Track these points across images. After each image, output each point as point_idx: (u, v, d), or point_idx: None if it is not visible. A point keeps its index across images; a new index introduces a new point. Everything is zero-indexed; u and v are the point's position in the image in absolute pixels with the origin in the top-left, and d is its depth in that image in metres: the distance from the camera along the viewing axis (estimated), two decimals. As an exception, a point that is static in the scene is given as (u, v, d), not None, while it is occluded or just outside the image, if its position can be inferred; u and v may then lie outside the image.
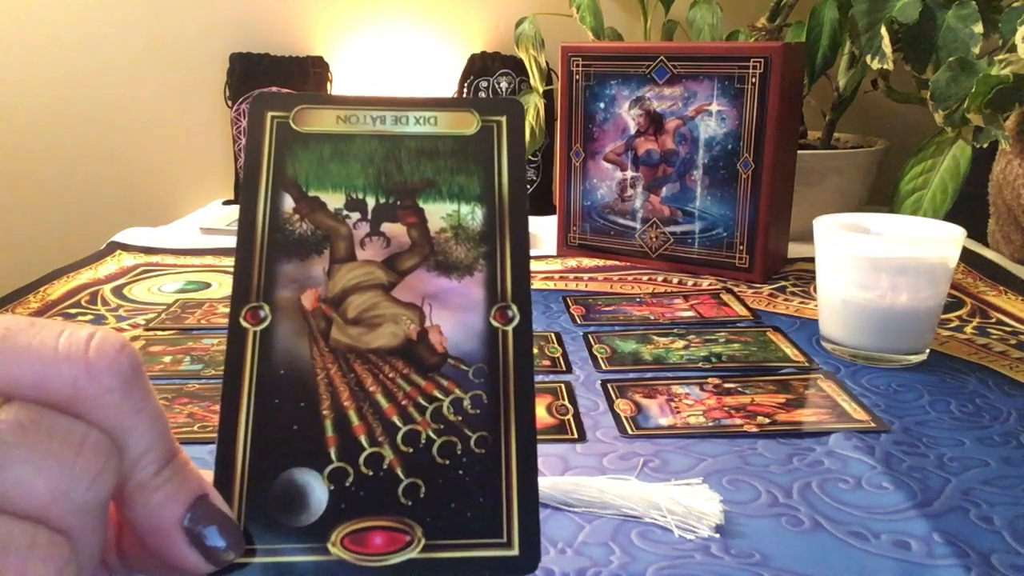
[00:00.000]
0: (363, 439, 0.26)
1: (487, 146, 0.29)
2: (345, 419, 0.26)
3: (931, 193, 0.84)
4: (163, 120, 1.31)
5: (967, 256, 0.83)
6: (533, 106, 1.06)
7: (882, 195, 0.98)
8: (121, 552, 0.24)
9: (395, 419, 0.26)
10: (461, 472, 0.26)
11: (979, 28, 0.77)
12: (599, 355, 0.59)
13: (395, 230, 0.28)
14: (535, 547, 0.25)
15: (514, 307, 0.27)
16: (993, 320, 0.67)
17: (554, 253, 0.88)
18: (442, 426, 0.26)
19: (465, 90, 1.19)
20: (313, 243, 0.28)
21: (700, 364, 0.58)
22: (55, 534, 0.20)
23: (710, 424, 0.48)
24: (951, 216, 0.81)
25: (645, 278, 0.80)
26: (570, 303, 0.71)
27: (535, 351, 0.60)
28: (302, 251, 0.27)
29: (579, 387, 0.54)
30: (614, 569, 0.35)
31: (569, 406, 0.51)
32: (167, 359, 0.59)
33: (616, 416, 0.49)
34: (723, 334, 0.63)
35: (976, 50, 0.77)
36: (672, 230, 0.81)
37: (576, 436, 0.47)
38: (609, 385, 0.54)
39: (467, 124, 0.29)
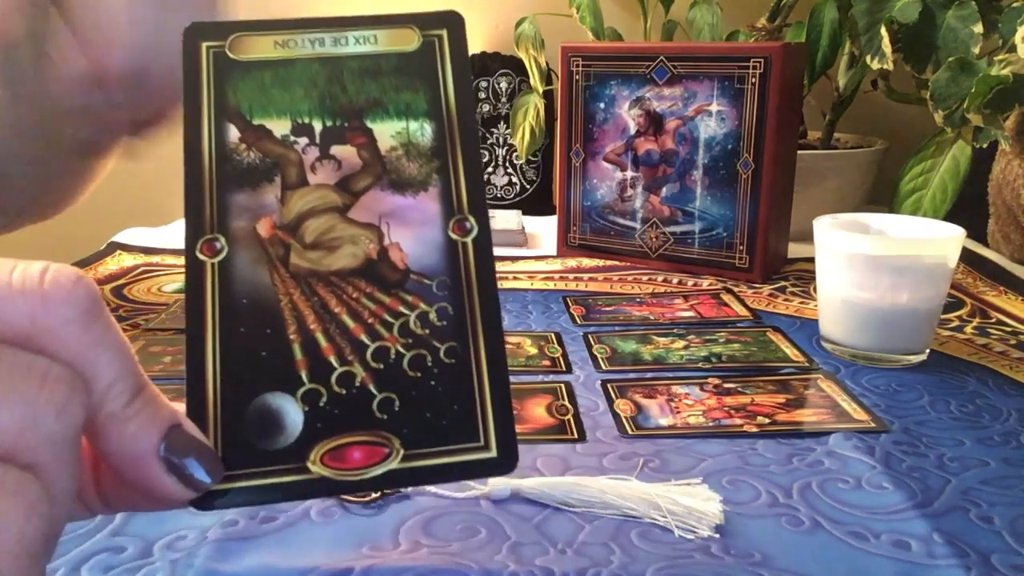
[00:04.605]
0: (333, 359, 0.26)
1: (430, 61, 0.29)
2: (313, 342, 0.26)
3: (931, 193, 0.84)
4: (163, 120, 1.31)
5: (967, 256, 0.83)
6: (533, 106, 1.06)
7: (882, 195, 0.98)
8: (100, 491, 0.24)
9: (363, 337, 0.26)
10: (433, 383, 0.26)
11: (979, 28, 0.77)
12: (599, 355, 0.59)
13: (345, 152, 0.28)
14: (512, 447, 0.26)
15: (471, 219, 0.27)
16: (993, 320, 0.67)
17: (554, 253, 0.88)
18: (410, 340, 0.26)
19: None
20: (263, 171, 0.27)
21: (700, 364, 0.58)
22: (24, 472, 0.19)
23: (710, 424, 0.48)
24: (951, 216, 0.81)
25: (645, 278, 0.80)
26: (570, 303, 0.71)
27: (535, 351, 0.60)
28: (253, 180, 0.27)
29: (579, 387, 0.54)
30: (614, 569, 0.35)
31: (569, 406, 0.51)
32: (167, 359, 0.59)
33: (616, 416, 0.49)
34: (723, 334, 0.63)
35: (976, 50, 0.77)
36: (672, 230, 0.81)
37: (576, 436, 0.47)
38: (609, 385, 0.54)
39: (408, 40, 0.29)
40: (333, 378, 0.26)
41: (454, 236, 0.27)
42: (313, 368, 0.25)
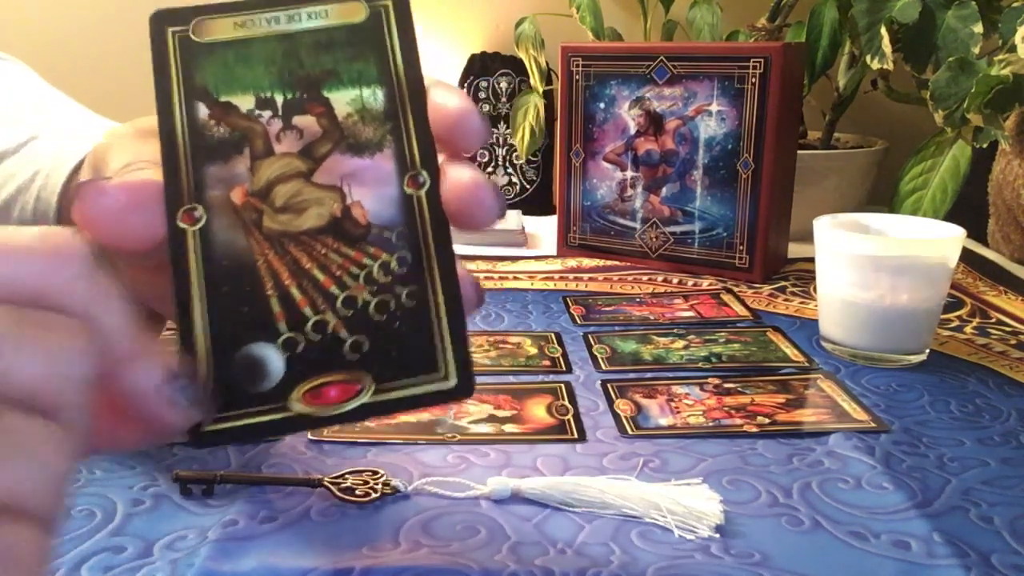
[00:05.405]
0: (307, 310, 0.28)
1: (378, 31, 0.31)
2: (289, 296, 0.28)
3: (931, 193, 0.84)
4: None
5: (967, 256, 0.83)
6: (533, 106, 1.06)
7: (882, 195, 0.98)
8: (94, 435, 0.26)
9: (333, 289, 0.28)
10: (397, 324, 0.28)
11: (979, 28, 0.77)
12: (599, 355, 0.59)
13: (306, 121, 0.30)
14: (470, 377, 0.28)
15: (424, 173, 0.30)
16: (993, 320, 0.67)
17: (554, 253, 0.88)
18: (375, 287, 0.29)
19: (465, 90, 1.19)
20: (232, 144, 0.29)
21: (700, 364, 0.58)
22: (48, 416, 0.21)
23: (710, 424, 0.48)
24: (951, 216, 0.81)
25: (645, 278, 0.80)
26: (570, 303, 0.71)
27: (535, 351, 0.60)
28: (224, 153, 0.29)
29: (579, 387, 0.54)
30: (614, 569, 0.35)
31: (569, 406, 0.51)
32: (167, 359, 0.59)
33: (616, 416, 0.49)
34: (723, 334, 0.63)
35: (976, 50, 0.77)
36: (672, 230, 0.81)
37: (576, 436, 0.47)
38: (609, 385, 0.54)
39: (356, 13, 0.31)
40: (308, 326, 0.28)
41: (409, 190, 0.29)
42: (290, 319, 0.28)
